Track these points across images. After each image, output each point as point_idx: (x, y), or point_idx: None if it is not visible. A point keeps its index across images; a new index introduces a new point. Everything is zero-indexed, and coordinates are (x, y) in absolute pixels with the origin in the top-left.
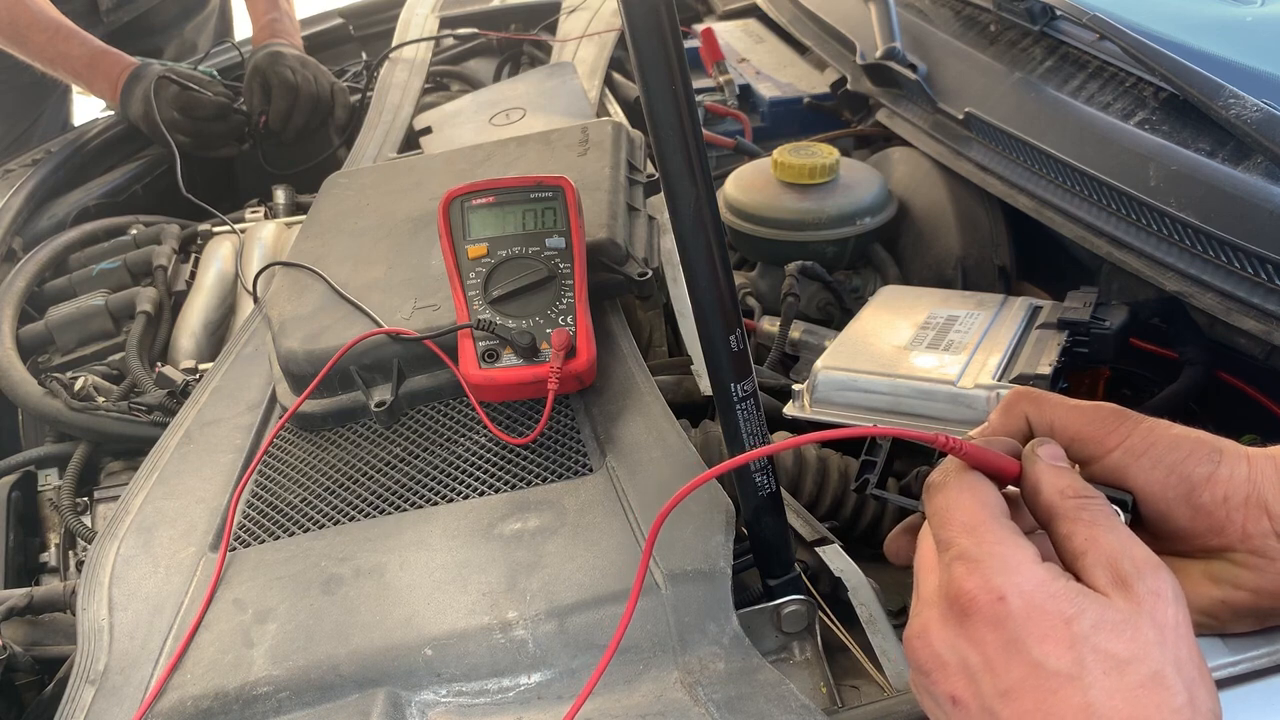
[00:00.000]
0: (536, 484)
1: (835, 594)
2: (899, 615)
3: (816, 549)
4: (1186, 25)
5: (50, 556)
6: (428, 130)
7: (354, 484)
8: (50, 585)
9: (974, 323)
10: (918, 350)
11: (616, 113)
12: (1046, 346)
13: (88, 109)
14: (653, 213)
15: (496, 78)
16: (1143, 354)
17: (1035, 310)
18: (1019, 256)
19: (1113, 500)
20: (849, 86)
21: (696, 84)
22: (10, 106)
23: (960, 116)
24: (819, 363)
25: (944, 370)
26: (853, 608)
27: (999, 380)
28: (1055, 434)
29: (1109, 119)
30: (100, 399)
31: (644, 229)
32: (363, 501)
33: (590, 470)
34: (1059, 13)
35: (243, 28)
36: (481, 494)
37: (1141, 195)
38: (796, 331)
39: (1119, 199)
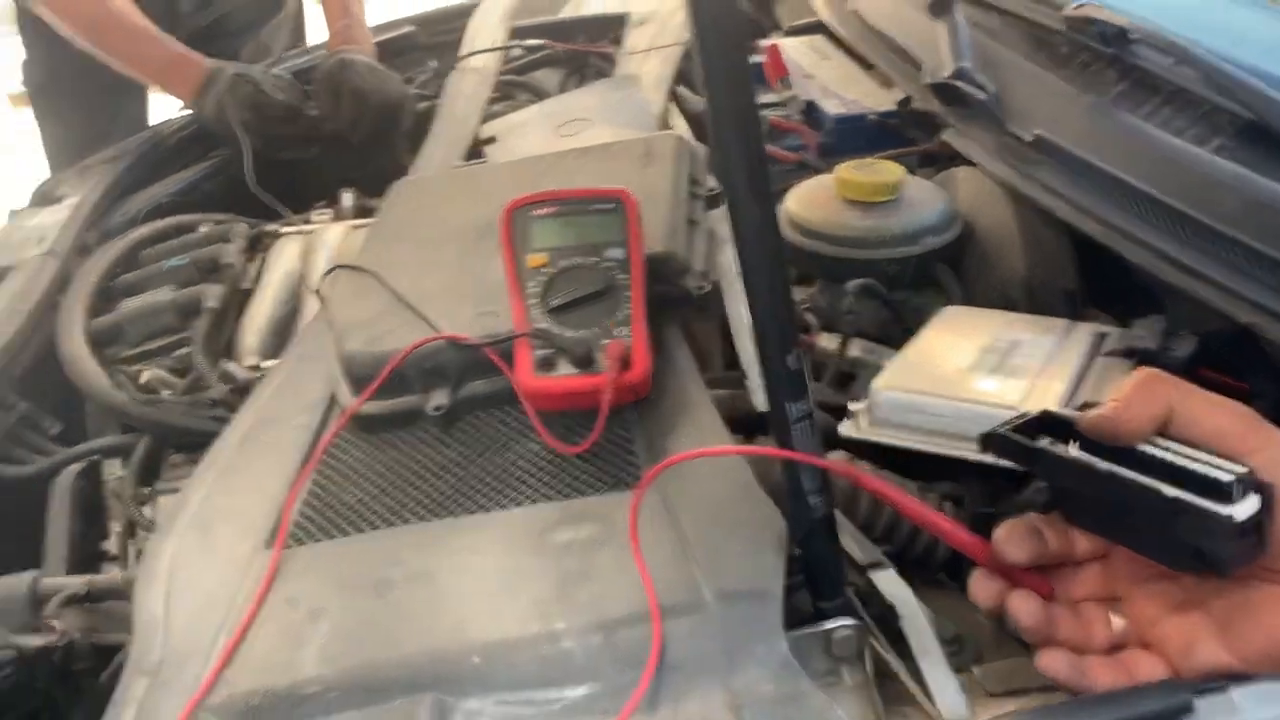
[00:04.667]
0: (588, 494)
1: (887, 620)
2: (952, 643)
3: (870, 573)
4: (1267, 50)
5: (111, 545)
6: (493, 139)
7: (409, 487)
8: (110, 573)
9: (1038, 347)
10: (979, 373)
11: (680, 126)
12: (1112, 374)
13: (164, 109)
14: (713, 226)
15: (562, 89)
16: (1212, 384)
17: (1101, 337)
18: (1086, 282)
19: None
20: (915, 105)
21: (761, 99)
22: (90, 105)
23: (1029, 138)
24: (877, 382)
25: (1006, 395)
26: (905, 635)
27: (1064, 407)
28: (1197, 425)
29: (1184, 144)
30: (165, 392)
31: (704, 243)
32: (417, 504)
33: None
34: (1134, 36)
35: (317, 32)
36: (533, 501)
37: (1215, 223)
38: (855, 350)
39: (1192, 226)
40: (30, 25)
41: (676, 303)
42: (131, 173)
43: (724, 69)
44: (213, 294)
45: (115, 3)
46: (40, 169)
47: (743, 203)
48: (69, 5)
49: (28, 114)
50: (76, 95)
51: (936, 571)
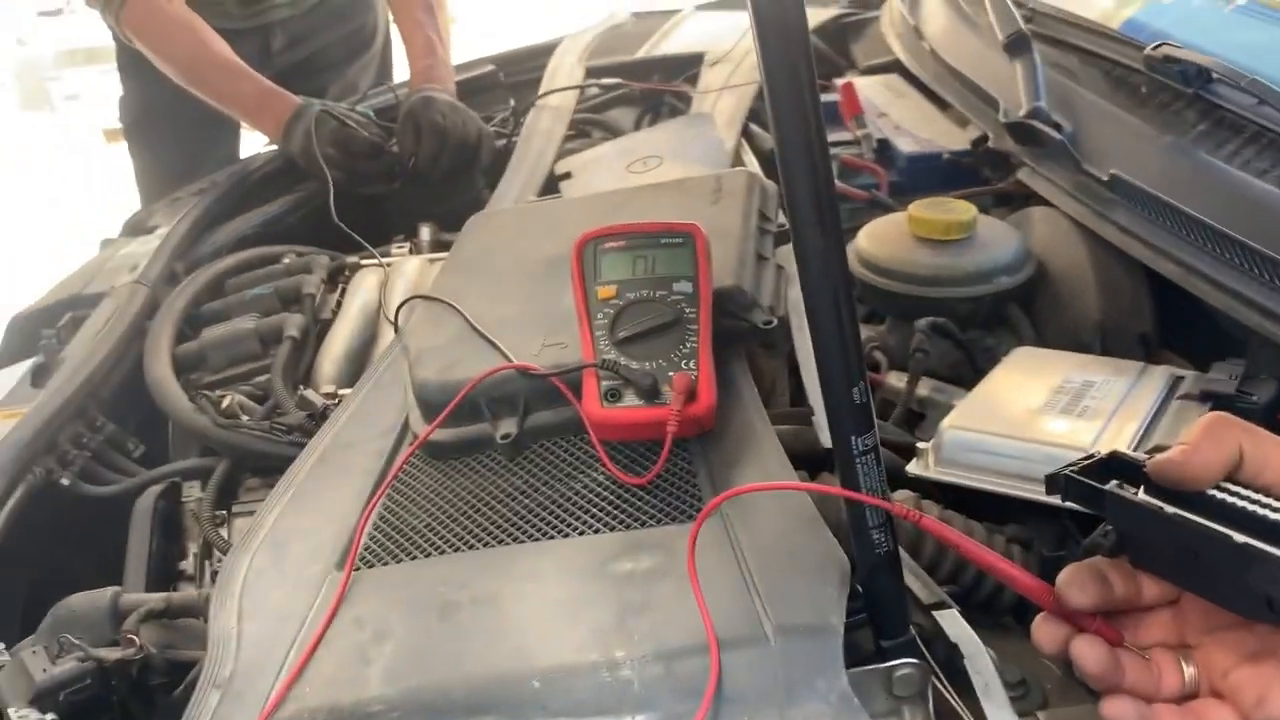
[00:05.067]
0: (650, 525)
1: (951, 661)
2: (1017, 687)
3: (934, 613)
4: None
5: (188, 565)
6: (568, 175)
7: (475, 513)
8: (186, 592)
9: (1111, 390)
10: (1050, 415)
11: (752, 163)
12: (1187, 419)
13: (254, 144)
14: (781, 262)
15: (637, 126)
16: None
17: (1177, 380)
18: (1162, 324)
19: None
20: (990, 144)
21: (834, 136)
22: (183, 139)
23: (1105, 178)
24: (946, 421)
25: (1077, 437)
26: (968, 676)
27: (1135, 450)
28: (1268, 471)
29: (1266, 185)
30: (244, 417)
31: (772, 278)
32: (482, 530)
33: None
34: (1215, 75)
35: (401, 69)
36: (596, 531)
37: None
38: (924, 388)
39: (1273, 269)
40: (129, 62)
41: (744, 336)
42: (220, 205)
43: (794, 107)
44: (293, 323)
45: (210, 40)
46: (131, 202)
47: (808, 235)
48: (166, 41)
49: (122, 148)
50: (170, 129)
51: (1003, 614)
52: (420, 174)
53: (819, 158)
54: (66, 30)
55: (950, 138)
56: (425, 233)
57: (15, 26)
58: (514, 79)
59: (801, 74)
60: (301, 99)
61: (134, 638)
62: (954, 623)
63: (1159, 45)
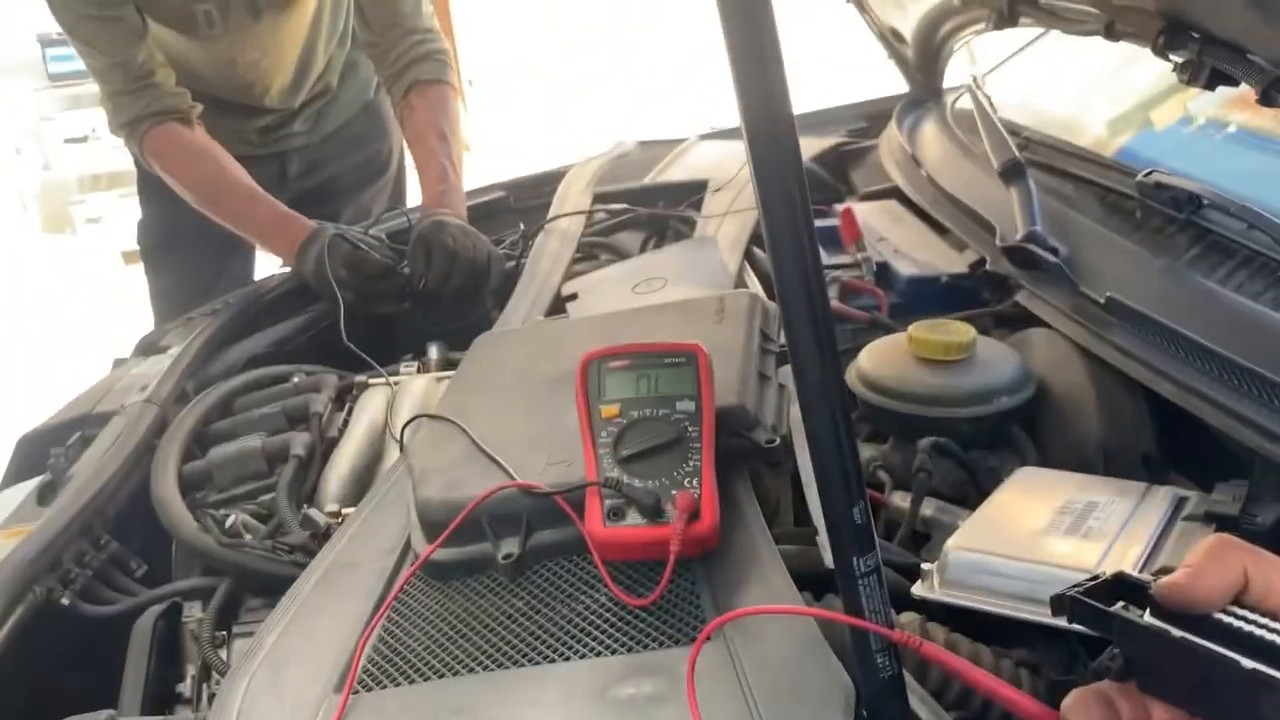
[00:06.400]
0: (653, 647)
1: None
2: None
3: None
4: None
5: (185, 687)
6: (574, 296)
7: (476, 635)
8: (182, 715)
9: (1114, 510)
10: (1055, 535)
11: (754, 285)
12: (1192, 540)
13: (268, 266)
14: (784, 381)
15: (643, 250)
16: None
17: (1181, 501)
18: (1165, 444)
19: None
20: (989, 267)
21: (835, 260)
22: (199, 262)
23: (1101, 300)
24: (950, 542)
25: (1082, 558)
26: None
27: (1140, 572)
28: (1273, 594)
29: (1259, 308)
30: (248, 536)
31: (774, 397)
32: (482, 654)
33: (709, 638)
34: (1206, 201)
35: (415, 194)
36: (598, 654)
37: None
38: (929, 509)
39: (1270, 389)
40: (148, 186)
41: (747, 455)
42: (232, 325)
43: (789, 231)
44: (300, 442)
45: (228, 166)
46: (146, 324)
47: (806, 356)
48: (186, 166)
49: (137, 269)
50: (186, 252)
51: None
52: (430, 294)
53: (815, 285)
54: (90, 155)
55: (949, 261)
56: (434, 351)
57: (43, 152)
58: (523, 204)
59: (798, 205)
60: (316, 223)
61: None
62: None
63: (1150, 172)
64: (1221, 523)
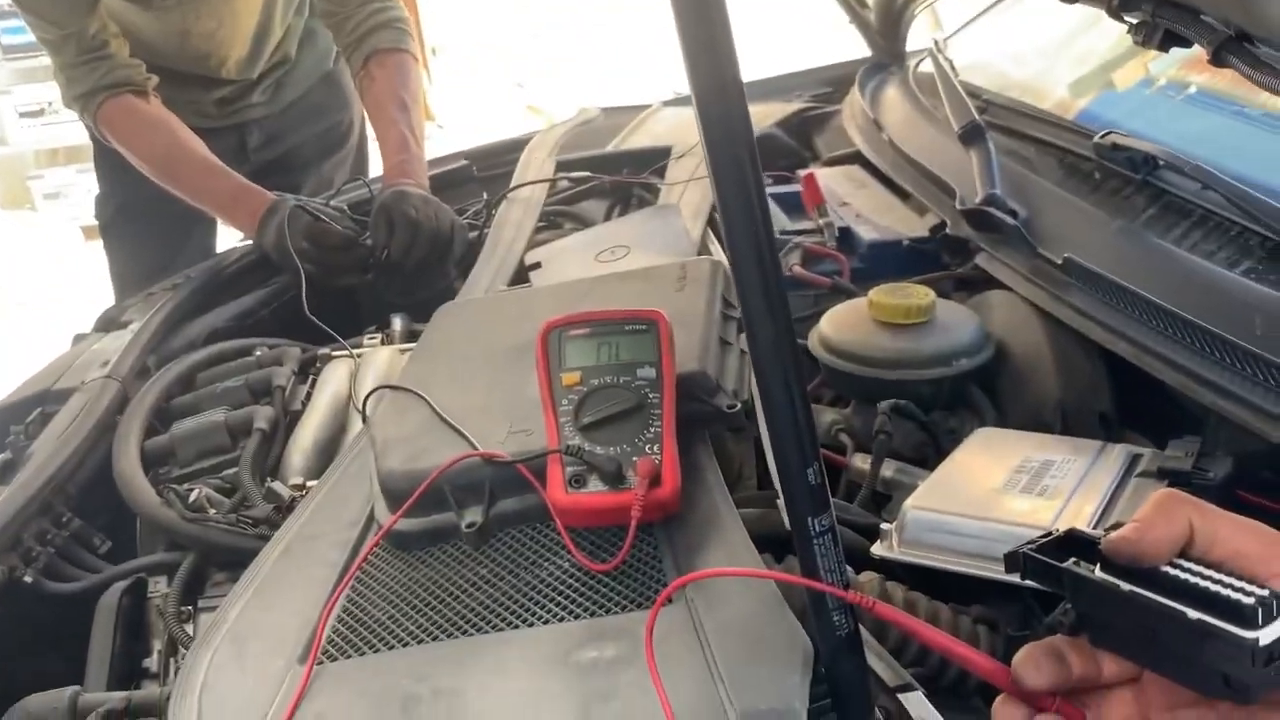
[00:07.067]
0: (615, 611)
1: None
2: None
3: (899, 696)
4: None
5: (152, 662)
6: (537, 265)
7: (440, 604)
8: (148, 690)
9: (1070, 469)
10: (1011, 494)
11: (717, 252)
12: (1145, 496)
13: (229, 239)
14: (745, 347)
15: (607, 218)
16: (1250, 507)
17: (1135, 459)
18: (1122, 403)
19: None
20: (949, 231)
21: (798, 225)
22: (159, 236)
23: (1059, 261)
24: (908, 502)
25: (1038, 515)
26: None
27: (1094, 528)
28: (1217, 546)
29: (1213, 267)
30: (212, 511)
31: (736, 362)
32: (447, 621)
33: (669, 600)
34: (1162, 162)
35: (376, 165)
36: (561, 619)
37: (1247, 344)
38: (888, 470)
39: (1223, 348)
40: (105, 160)
41: (708, 420)
42: (193, 299)
43: (738, 194)
44: (263, 415)
45: (186, 138)
46: (106, 299)
47: (757, 315)
48: (142, 139)
49: (97, 245)
50: (145, 226)
51: (970, 697)
52: (393, 265)
53: (763, 237)
54: (47, 130)
55: (910, 225)
56: (398, 323)
57: None
58: (486, 173)
59: (748, 169)
60: (275, 194)
61: None
62: (919, 706)
63: (1107, 134)
64: (1174, 478)
